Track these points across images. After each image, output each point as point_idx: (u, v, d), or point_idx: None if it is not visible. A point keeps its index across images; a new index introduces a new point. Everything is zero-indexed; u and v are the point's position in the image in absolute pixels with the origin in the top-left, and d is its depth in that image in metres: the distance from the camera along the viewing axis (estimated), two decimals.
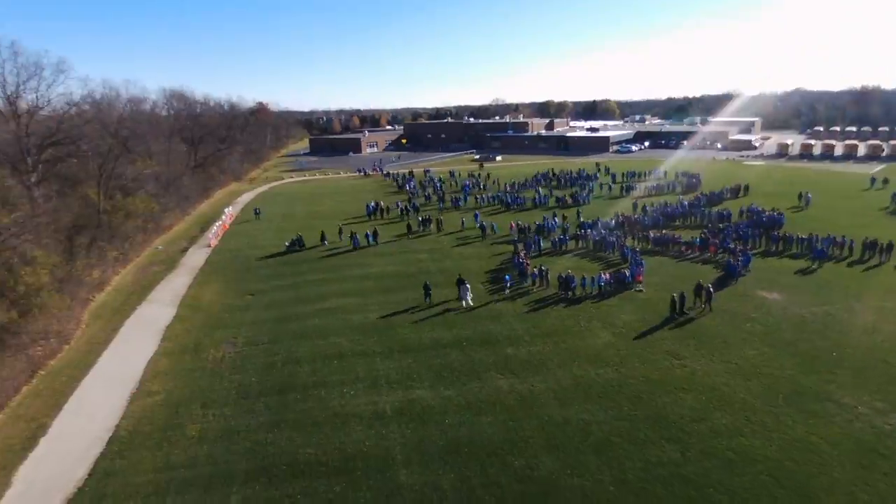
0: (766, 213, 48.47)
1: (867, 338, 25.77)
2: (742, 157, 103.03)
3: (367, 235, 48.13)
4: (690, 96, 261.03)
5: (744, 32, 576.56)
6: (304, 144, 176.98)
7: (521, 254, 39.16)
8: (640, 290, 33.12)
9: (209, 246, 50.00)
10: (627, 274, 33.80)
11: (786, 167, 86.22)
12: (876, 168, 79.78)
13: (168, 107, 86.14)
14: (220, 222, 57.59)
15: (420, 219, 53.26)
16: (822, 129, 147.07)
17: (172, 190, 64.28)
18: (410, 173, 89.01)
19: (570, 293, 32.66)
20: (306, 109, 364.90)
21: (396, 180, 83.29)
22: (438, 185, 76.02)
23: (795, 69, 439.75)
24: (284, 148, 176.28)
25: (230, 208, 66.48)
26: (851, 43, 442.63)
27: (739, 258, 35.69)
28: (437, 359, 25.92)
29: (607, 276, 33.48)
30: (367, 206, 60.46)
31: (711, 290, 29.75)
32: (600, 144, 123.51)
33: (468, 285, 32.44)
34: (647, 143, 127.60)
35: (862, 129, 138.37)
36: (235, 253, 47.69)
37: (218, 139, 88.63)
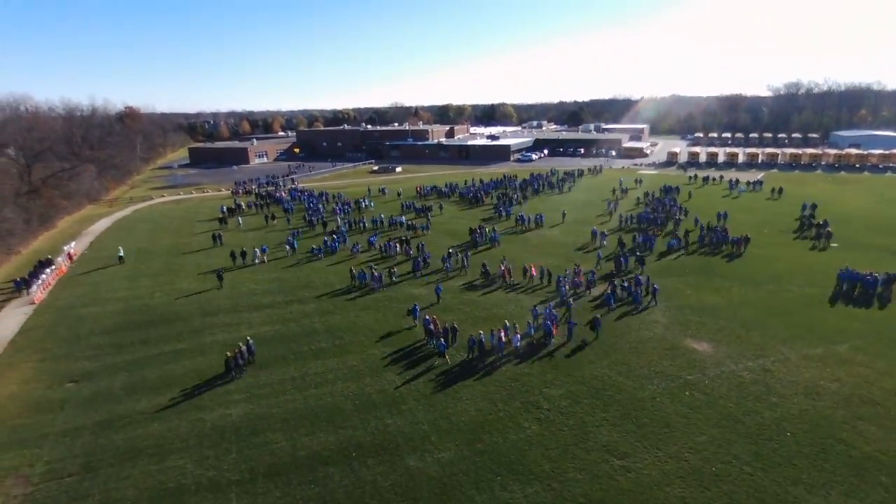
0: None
1: (811, 404, 22.85)
2: (636, 164, 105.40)
3: None
4: (580, 100, 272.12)
5: (628, 41, 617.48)
6: (183, 153, 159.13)
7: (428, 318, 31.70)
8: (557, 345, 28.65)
9: (33, 303, 39.33)
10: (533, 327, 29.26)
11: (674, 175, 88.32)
12: (758, 175, 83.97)
13: None
14: (54, 267, 46.17)
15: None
16: (701, 134, 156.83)
17: None
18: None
19: (477, 358, 27.36)
20: (192, 111, 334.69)
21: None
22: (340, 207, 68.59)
23: (672, 76, 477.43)
24: (161, 158, 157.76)
25: (73, 244, 54.41)
26: (721, 53, 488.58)
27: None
28: (313, 486, 19.36)
29: (520, 335, 28.26)
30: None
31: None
32: (501, 153, 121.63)
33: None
34: (545, 151, 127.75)
35: (736, 135, 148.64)
36: (66, 312, 37.55)
37: (57, 156, 73.26)
